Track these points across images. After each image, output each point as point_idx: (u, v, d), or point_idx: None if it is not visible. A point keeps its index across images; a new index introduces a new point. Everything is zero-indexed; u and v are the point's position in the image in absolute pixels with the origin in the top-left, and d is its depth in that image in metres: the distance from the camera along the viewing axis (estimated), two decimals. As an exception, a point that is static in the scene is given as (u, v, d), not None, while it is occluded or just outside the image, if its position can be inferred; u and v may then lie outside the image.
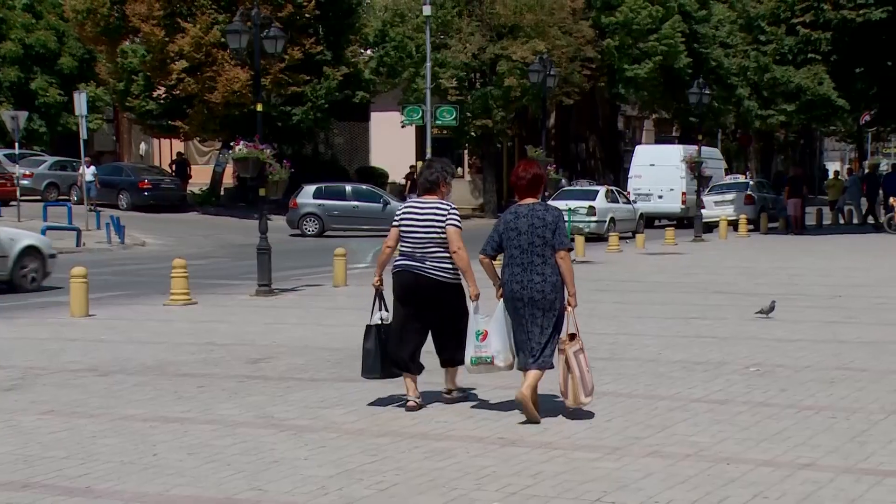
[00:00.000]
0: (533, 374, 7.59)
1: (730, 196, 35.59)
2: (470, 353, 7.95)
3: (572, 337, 7.67)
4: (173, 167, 42.88)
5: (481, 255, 7.88)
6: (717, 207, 34.28)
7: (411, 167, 44.50)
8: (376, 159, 47.76)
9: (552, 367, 7.67)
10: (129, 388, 9.13)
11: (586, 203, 29.81)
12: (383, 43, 41.33)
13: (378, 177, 45.69)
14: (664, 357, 10.26)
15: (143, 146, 51.22)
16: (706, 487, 5.98)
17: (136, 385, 9.25)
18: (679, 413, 7.82)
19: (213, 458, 6.73)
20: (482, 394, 8.58)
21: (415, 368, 8.14)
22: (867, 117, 44.29)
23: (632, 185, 37.30)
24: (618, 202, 32.17)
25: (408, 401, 8.13)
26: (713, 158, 40.16)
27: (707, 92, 32.48)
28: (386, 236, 8.41)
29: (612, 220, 30.57)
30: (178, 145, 46.46)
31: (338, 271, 17.74)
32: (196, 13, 35.59)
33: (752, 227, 32.29)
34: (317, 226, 32.00)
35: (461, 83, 40.22)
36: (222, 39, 29.62)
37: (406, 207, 8.21)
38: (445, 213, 7.95)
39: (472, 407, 8.13)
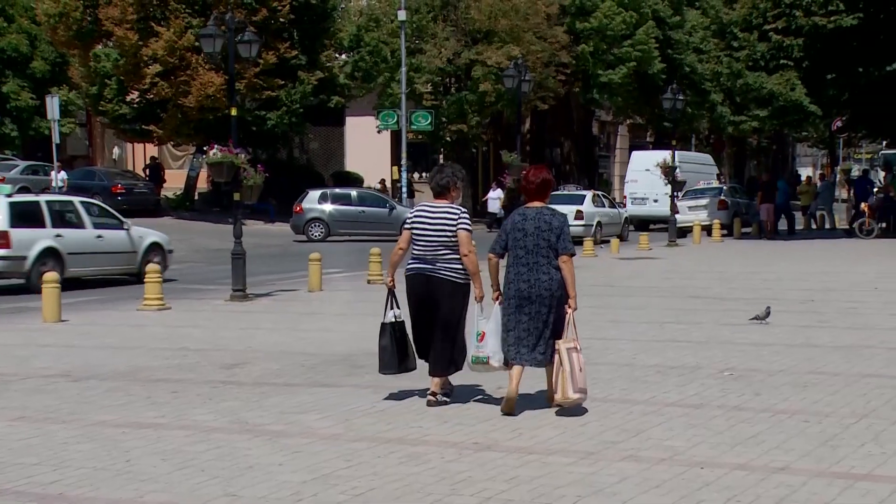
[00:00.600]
0: (551, 369, 7.95)
1: (703, 201, 35.82)
2: (471, 352, 8.27)
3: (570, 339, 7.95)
4: (147, 172, 42.66)
5: (490, 255, 8.18)
6: (690, 212, 34.48)
7: (382, 180, 44.56)
8: (351, 164, 47.71)
9: (552, 362, 7.94)
10: (101, 393, 9.06)
11: (574, 207, 30.38)
12: (358, 48, 41.29)
13: (353, 182, 45.62)
14: (639, 361, 10.29)
15: (116, 150, 50.91)
16: (681, 491, 6.00)
17: (109, 391, 9.18)
18: (654, 417, 7.84)
19: (186, 463, 6.69)
20: (455, 399, 8.58)
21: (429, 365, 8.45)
22: (839, 123, 44.67)
23: (628, 189, 37.89)
24: (604, 206, 33.08)
25: (431, 393, 8.42)
26: (705, 164, 40.99)
27: (681, 97, 32.65)
28: (393, 240, 8.48)
29: (599, 223, 31.48)
30: (152, 150, 46.22)
31: (312, 276, 17.69)
32: (170, 17, 35.42)
33: (725, 231, 32.48)
34: (322, 230, 32.08)
35: (436, 88, 40.25)
36: (196, 43, 29.50)
37: (417, 211, 8.43)
38: (456, 216, 8.21)
39: (448, 412, 8.12)
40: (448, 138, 41.47)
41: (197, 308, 15.78)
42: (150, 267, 15.61)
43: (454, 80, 41.37)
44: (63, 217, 18.66)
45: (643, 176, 37.40)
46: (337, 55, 41.85)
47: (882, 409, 8.04)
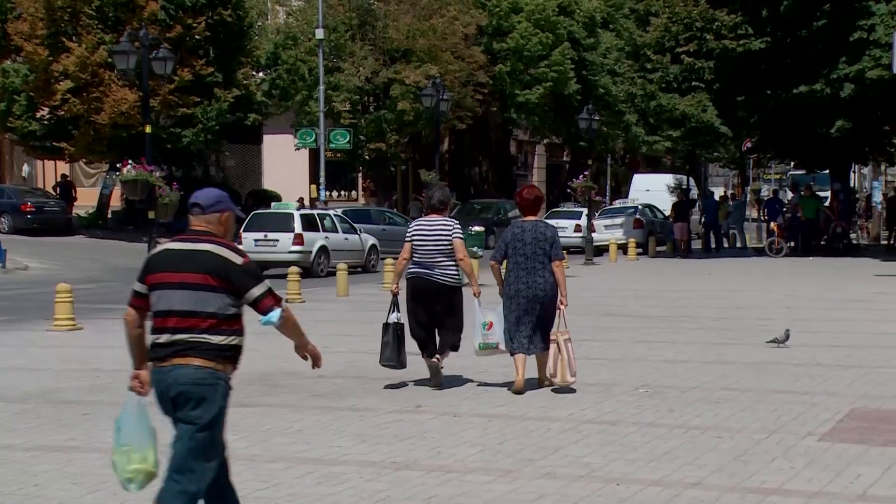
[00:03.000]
0: (545, 356, 9.52)
1: (619, 220, 36.32)
2: (478, 340, 9.75)
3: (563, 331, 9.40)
4: (57, 190, 41.77)
5: (492, 262, 9.75)
6: (606, 231, 34.94)
7: (300, 199, 44.26)
8: (269, 182, 47.31)
9: (548, 349, 9.43)
10: (9, 416, 8.82)
11: (573, 222, 33.87)
12: (275, 65, 41.06)
13: (271, 200, 45.14)
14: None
15: (25, 168, 49.72)
16: (597, 507, 6.06)
17: (18, 413, 8.94)
18: (571, 434, 7.91)
19: (98, 486, 6.55)
20: (376, 416, 8.55)
21: (432, 350, 9.80)
22: (748, 144, 45.67)
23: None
24: (650, 216, 36.81)
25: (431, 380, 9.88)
26: (691, 187, 45.43)
27: (596, 118, 33.08)
28: None
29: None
30: (63, 167, 45.28)
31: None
32: (81, 33, 34.78)
33: (640, 250, 32.98)
34: None
35: (354, 106, 40.20)
36: (109, 60, 29.05)
37: (416, 225, 9.88)
38: (451, 228, 9.69)
39: (367, 430, 8.09)
40: (367, 157, 41.43)
41: (110, 328, 15.41)
42: (61, 286, 15.26)
43: (372, 98, 41.37)
44: (326, 224, 25.72)
45: (643, 196, 41.43)
46: (254, 73, 41.54)
47: (791, 424, 8.22)
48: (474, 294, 9.68)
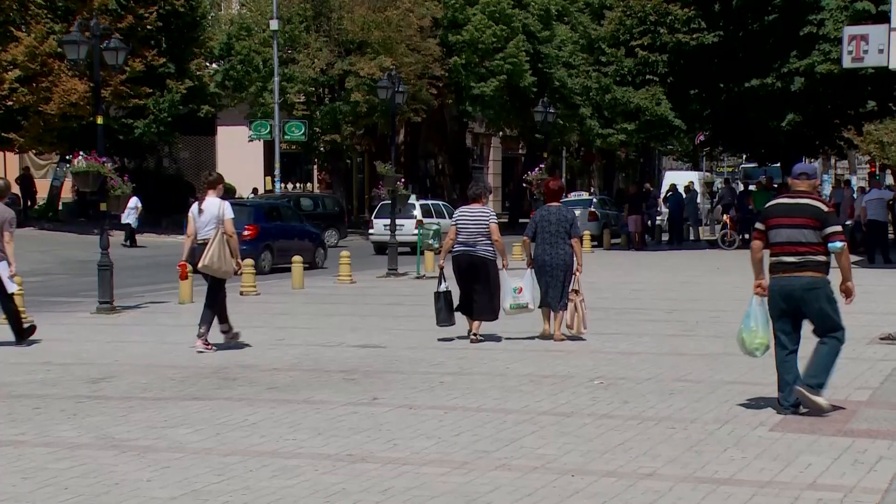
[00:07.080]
0: (559, 315, 12.23)
1: (575, 212, 36.50)
2: (509, 301, 12.24)
3: (577, 292, 12.11)
4: (18, 182, 41.06)
5: (525, 237, 12.53)
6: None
7: (254, 189, 43.98)
8: (223, 174, 46.82)
9: (566, 308, 12.09)
10: (-42, 411, 8.69)
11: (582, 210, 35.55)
12: (229, 56, 40.74)
13: (226, 192, 44.72)
14: (512, 371, 10.41)
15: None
16: (552, 499, 6.09)
17: (-33, 408, 8.81)
18: (527, 426, 7.94)
19: (49, 481, 6.47)
20: (332, 409, 8.54)
21: (471, 311, 12.23)
22: (701, 137, 46.06)
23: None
24: (605, 209, 38.84)
25: (473, 334, 12.21)
26: (697, 180, 47.30)
27: (551, 111, 33.17)
28: None
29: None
30: (12, 158, 44.61)
31: (183, 288, 17.35)
32: (30, 22, 34.28)
33: (595, 242, 33.14)
34: None
35: (309, 98, 40.02)
36: (59, 49, 28.66)
37: (461, 212, 12.34)
38: (488, 214, 12.25)
39: (321, 424, 8.07)
40: (322, 149, 41.26)
41: (61, 321, 15.28)
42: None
43: (327, 90, 41.20)
44: (433, 213, 31.29)
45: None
46: (207, 64, 41.19)
47: (743, 414, 8.32)
48: (504, 266, 12.09)
